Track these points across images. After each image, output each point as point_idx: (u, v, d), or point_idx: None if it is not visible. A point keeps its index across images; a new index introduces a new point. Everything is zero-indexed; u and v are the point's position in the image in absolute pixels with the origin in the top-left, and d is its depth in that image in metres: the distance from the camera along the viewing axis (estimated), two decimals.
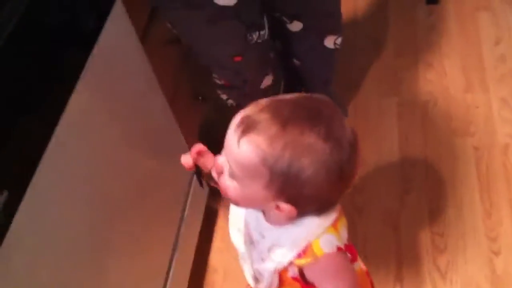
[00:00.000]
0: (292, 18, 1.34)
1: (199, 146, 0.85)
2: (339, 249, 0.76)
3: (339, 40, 1.41)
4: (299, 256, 0.76)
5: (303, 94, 0.74)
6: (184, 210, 1.35)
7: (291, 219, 0.73)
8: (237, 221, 0.85)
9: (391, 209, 1.47)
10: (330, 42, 1.40)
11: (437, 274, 1.34)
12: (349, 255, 0.81)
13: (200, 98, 1.52)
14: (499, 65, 1.74)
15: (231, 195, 0.74)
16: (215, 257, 1.46)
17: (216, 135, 1.52)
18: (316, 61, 1.45)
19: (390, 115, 1.68)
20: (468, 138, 1.58)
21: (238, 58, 1.22)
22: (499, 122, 1.60)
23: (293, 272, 0.79)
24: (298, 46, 1.42)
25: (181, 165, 0.84)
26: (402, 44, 1.87)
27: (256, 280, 0.86)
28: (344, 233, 0.78)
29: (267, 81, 1.33)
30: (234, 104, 1.44)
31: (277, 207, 0.71)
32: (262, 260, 0.80)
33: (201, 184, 0.88)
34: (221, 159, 0.73)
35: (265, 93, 1.42)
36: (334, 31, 1.39)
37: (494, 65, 1.74)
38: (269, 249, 0.78)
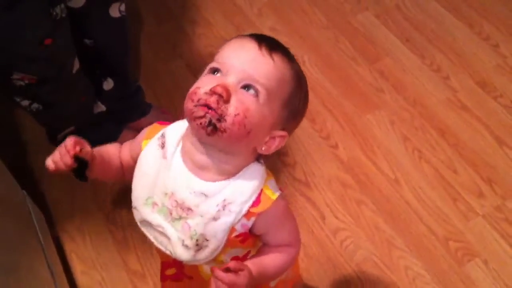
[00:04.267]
0: None
1: (73, 138, 0.77)
2: (281, 189, 0.77)
3: (123, 7, 1.34)
4: (255, 204, 0.74)
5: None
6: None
7: (272, 150, 0.74)
8: (154, 198, 0.78)
9: None
10: (115, 10, 1.32)
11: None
12: None
13: None
14: (253, 2, 1.88)
15: (250, 114, 0.69)
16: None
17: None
18: (108, 35, 1.36)
19: (182, 77, 1.69)
20: None
21: (48, 41, 1.06)
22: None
23: (240, 228, 0.76)
24: (84, 23, 1.30)
25: None
26: (159, 13, 1.88)
27: (198, 248, 0.77)
28: None
29: (77, 63, 1.19)
30: (41, 107, 1.26)
31: (270, 140, 0.73)
32: (215, 219, 0.75)
33: (86, 179, 0.76)
34: (231, 79, 0.70)
35: (79, 80, 1.27)
36: None
37: (249, 3, 1.88)
38: (223, 206, 0.74)
